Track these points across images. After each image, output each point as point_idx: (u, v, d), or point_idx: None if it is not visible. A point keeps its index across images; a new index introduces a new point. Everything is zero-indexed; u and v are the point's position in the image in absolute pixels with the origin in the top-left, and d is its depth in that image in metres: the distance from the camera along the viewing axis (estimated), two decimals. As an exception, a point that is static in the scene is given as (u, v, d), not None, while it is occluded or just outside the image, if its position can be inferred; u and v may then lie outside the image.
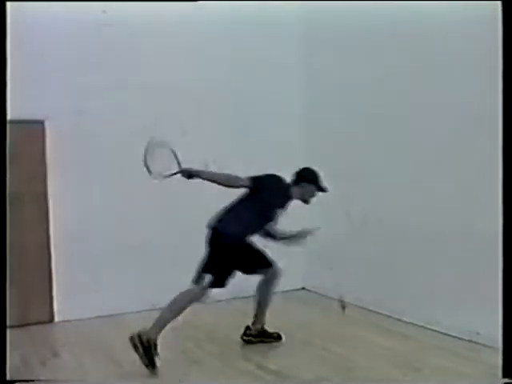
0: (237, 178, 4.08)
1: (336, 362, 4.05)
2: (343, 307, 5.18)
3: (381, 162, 5.18)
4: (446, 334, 4.45)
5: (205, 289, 4.12)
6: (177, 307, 4.12)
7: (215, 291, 4.28)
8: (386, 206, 5.10)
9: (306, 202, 4.34)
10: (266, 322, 4.52)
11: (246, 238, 4.24)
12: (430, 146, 4.65)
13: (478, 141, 4.18)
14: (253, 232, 4.25)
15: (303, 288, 5.84)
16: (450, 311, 4.47)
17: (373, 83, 5.24)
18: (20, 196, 4.96)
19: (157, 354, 3.91)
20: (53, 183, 5.20)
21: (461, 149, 4.36)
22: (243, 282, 4.44)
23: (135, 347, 3.91)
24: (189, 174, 4.03)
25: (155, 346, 3.92)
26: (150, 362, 3.88)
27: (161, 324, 4.05)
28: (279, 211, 4.28)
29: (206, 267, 4.14)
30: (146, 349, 3.89)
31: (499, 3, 2.91)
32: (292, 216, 4.41)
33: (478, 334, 4.22)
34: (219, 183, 4.04)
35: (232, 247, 4.12)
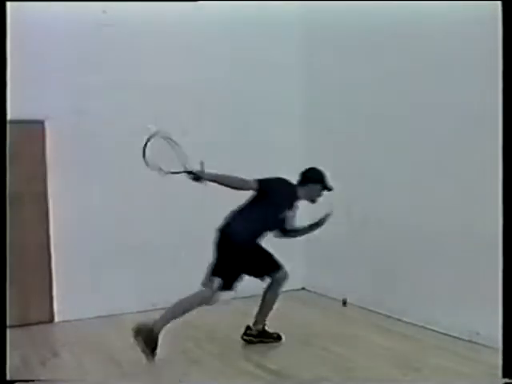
0: (244, 180, 4.08)
1: (336, 361, 4.05)
2: (344, 302, 5.20)
3: (381, 162, 5.18)
4: (445, 334, 4.45)
5: (215, 292, 4.14)
6: (185, 306, 4.16)
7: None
8: (386, 206, 5.10)
9: (312, 201, 4.37)
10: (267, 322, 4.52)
11: (255, 241, 4.27)
12: (430, 146, 4.65)
13: (477, 141, 4.18)
14: (261, 235, 4.27)
15: (303, 288, 5.85)
16: (449, 311, 4.47)
17: (373, 83, 5.24)
18: (20, 196, 4.96)
19: (156, 346, 3.96)
20: (53, 183, 5.20)
21: (461, 149, 4.36)
22: (243, 282, 4.43)
23: (137, 335, 3.96)
24: (196, 176, 3.99)
25: (157, 337, 3.97)
26: (150, 352, 3.93)
27: (166, 319, 4.09)
28: (287, 213, 4.30)
29: (216, 270, 4.16)
30: (147, 339, 3.94)
31: (499, 3, 2.91)
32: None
33: (477, 334, 4.22)
34: (226, 185, 4.03)
35: (241, 250, 4.14)
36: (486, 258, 3.98)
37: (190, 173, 3.99)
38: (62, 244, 5.23)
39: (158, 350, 3.97)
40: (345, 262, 5.66)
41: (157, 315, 5.34)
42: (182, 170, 3.98)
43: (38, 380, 3.77)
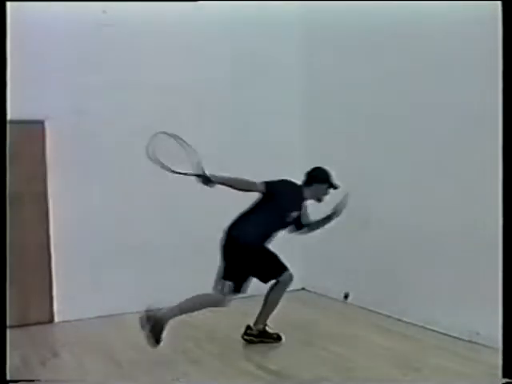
0: (251, 182, 4.12)
1: (336, 361, 4.05)
2: (346, 295, 5.19)
3: (381, 162, 5.18)
4: (445, 334, 4.45)
5: (226, 296, 4.16)
6: (195, 304, 4.21)
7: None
8: (386, 206, 5.09)
9: (319, 200, 4.40)
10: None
11: (262, 243, 4.28)
12: (430, 146, 4.65)
13: (477, 141, 4.17)
14: (268, 237, 4.29)
15: (303, 288, 5.85)
16: (449, 311, 4.47)
17: (373, 83, 5.23)
18: (20, 196, 4.96)
19: (161, 337, 3.99)
20: (53, 183, 5.20)
21: (461, 149, 4.36)
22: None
23: (145, 322, 3.99)
24: (205, 180, 3.99)
25: (162, 328, 3.99)
26: (153, 341, 3.97)
27: (175, 312, 4.11)
28: (294, 214, 4.32)
29: (225, 274, 4.17)
30: (153, 328, 3.97)
31: (499, 3, 2.91)
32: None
33: (477, 334, 4.22)
34: (234, 188, 4.06)
35: (248, 252, 4.16)
36: (486, 258, 3.98)
37: (199, 176, 3.99)
38: (62, 244, 5.23)
39: (161, 345, 3.97)
40: (345, 262, 5.66)
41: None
42: (192, 172, 3.98)
43: (38, 380, 3.77)
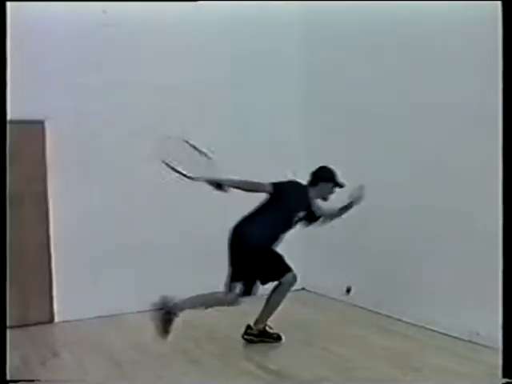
0: (259, 183, 4.17)
1: (336, 362, 4.05)
2: (348, 290, 5.19)
3: (381, 162, 5.17)
4: (445, 334, 4.45)
5: (237, 298, 4.19)
6: (205, 301, 4.28)
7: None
8: (386, 206, 5.09)
9: (325, 199, 4.44)
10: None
11: (268, 244, 4.30)
12: (430, 146, 4.65)
13: (478, 141, 4.17)
14: (275, 239, 4.31)
15: (303, 288, 5.84)
16: (449, 311, 4.47)
17: (373, 83, 5.23)
18: (20, 196, 4.97)
19: (170, 327, 4.08)
20: (53, 183, 5.20)
21: (461, 149, 4.36)
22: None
23: (157, 310, 4.08)
24: (217, 184, 4.03)
25: (172, 319, 4.08)
26: (162, 331, 4.06)
27: (185, 306, 4.18)
28: (301, 214, 4.35)
29: (234, 276, 4.18)
30: (164, 318, 4.07)
31: (499, 3, 2.91)
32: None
33: (477, 334, 4.22)
34: (243, 189, 4.12)
35: (255, 252, 4.17)
36: (486, 258, 3.98)
37: (211, 182, 4.02)
38: (62, 244, 5.23)
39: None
40: (345, 262, 5.66)
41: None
42: (205, 178, 4.02)
43: (38, 380, 3.77)
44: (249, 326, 4.51)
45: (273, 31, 6.05)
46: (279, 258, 4.43)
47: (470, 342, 4.27)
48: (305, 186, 4.39)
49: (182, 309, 4.14)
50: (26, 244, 5.11)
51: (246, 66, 5.98)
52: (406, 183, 4.88)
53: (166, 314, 4.08)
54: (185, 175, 3.99)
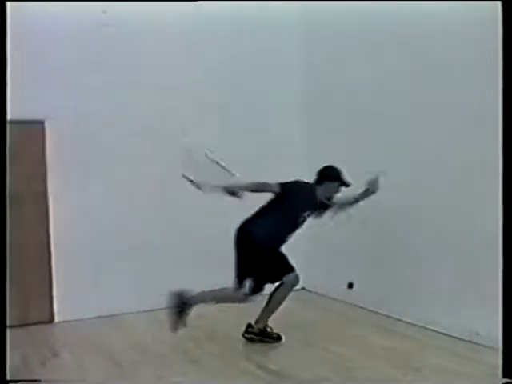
0: (266, 184, 4.22)
1: (336, 362, 4.05)
2: (350, 285, 5.19)
3: (381, 162, 5.16)
4: (445, 334, 4.45)
5: (246, 295, 4.23)
6: (216, 297, 4.37)
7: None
8: (386, 206, 5.09)
9: (330, 198, 4.47)
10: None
11: (275, 244, 4.35)
12: (430, 146, 4.65)
13: (478, 141, 4.17)
14: (282, 239, 4.36)
15: (303, 288, 5.84)
16: (449, 311, 4.47)
17: (373, 83, 5.23)
18: (20, 196, 4.96)
19: (182, 319, 4.23)
20: (53, 183, 5.20)
21: (461, 149, 4.36)
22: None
23: (172, 303, 4.24)
24: (230, 191, 4.09)
25: (185, 311, 4.22)
26: (175, 322, 4.22)
27: (199, 299, 4.29)
28: (307, 214, 4.39)
29: (241, 274, 4.22)
30: (179, 308, 4.22)
31: (499, 3, 2.91)
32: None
33: (477, 334, 4.22)
34: (252, 191, 4.16)
35: (261, 249, 4.21)
36: (486, 258, 3.98)
37: (225, 189, 4.08)
38: (62, 244, 5.23)
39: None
40: (345, 262, 5.66)
41: (157, 315, 5.36)
42: (219, 186, 4.08)
43: (38, 380, 3.76)
44: (249, 325, 4.51)
45: (273, 31, 6.05)
46: (283, 257, 4.45)
47: (470, 342, 4.27)
48: (311, 186, 4.41)
49: (196, 302, 4.24)
50: (26, 244, 5.11)
51: (246, 66, 5.97)
52: (406, 183, 4.88)
53: (182, 306, 4.19)
54: (200, 188, 4.09)
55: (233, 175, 4.15)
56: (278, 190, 4.22)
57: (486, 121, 3.98)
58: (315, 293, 6.04)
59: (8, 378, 2.93)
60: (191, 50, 5.72)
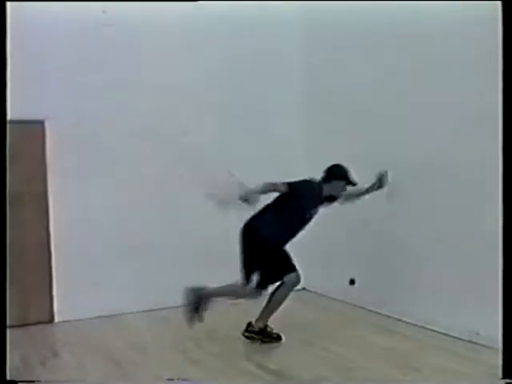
0: (274, 184, 4.25)
1: (336, 361, 4.05)
2: (352, 282, 5.19)
3: (381, 162, 5.16)
4: (445, 334, 4.45)
5: (253, 290, 4.30)
6: (226, 292, 4.45)
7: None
8: (386, 206, 5.09)
9: (337, 197, 4.56)
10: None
11: (281, 242, 4.39)
12: (430, 146, 4.65)
13: (478, 141, 4.17)
14: (287, 236, 4.40)
15: (304, 288, 5.84)
16: (449, 311, 4.47)
17: (373, 83, 5.23)
18: (20, 196, 4.96)
19: (201, 312, 4.35)
20: (53, 183, 5.20)
21: (461, 149, 4.36)
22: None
23: (188, 299, 4.33)
24: (246, 199, 4.11)
25: (203, 304, 4.34)
26: (190, 317, 4.32)
27: (212, 294, 4.39)
28: (314, 212, 4.44)
29: (247, 269, 4.28)
30: (194, 302, 4.32)
31: (499, 3, 2.91)
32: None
33: (477, 334, 4.22)
34: (262, 193, 4.19)
35: (266, 247, 4.26)
36: (486, 258, 3.98)
37: (243, 198, 4.12)
38: (62, 244, 5.23)
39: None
40: (345, 262, 5.66)
41: (157, 315, 5.37)
42: (240, 196, 4.11)
43: (38, 380, 3.76)
44: (250, 324, 4.51)
45: (273, 31, 6.05)
46: (286, 256, 4.47)
47: (470, 342, 4.27)
48: (318, 184, 4.45)
49: (209, 297, 4.33)
50: (26, 244, 5.10)
51: (246, 66, 5.97)
52: (406, 183, 4.87)
53: (197, 302, 4.29)
54: (224, 205, 4.25)
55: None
56: (285, 189, 4.26)
57: (485, 121, 3.98)
58: (315, 293, 6.04)
59: (8, 377, 2.93)
60: (191, 49, 5.72)
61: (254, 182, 5.52)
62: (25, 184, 5.05)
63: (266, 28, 5.99)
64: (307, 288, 5.97)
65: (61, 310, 5.26)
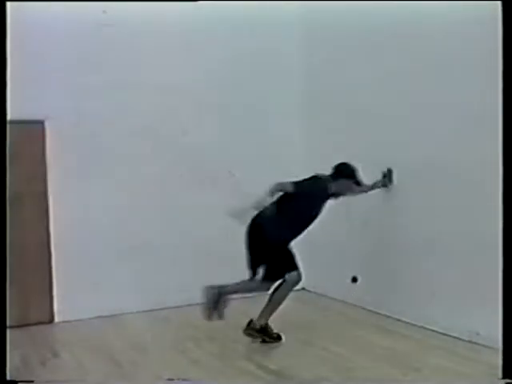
0: (281, 184, 4.30)
1: (336, 361, 4.05)
2: (354, 279, 5.20)
3: (381, 162, 5.17)
4: (445, 334, 4.45)
5: (261, 283, 4.40)
6: (239, 289, 4.50)
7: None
8: (386, 206, 5.09)
9: (343, 195, 4.62)
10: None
11: (286, 238, 4.44)
12: (430, 146, 4.65)
13: (478, 141, 4.17)
14: (293, 233, 4.46)
15: (303, 288, 5.84)
16: (449, 311, 4.47)
17: (373, 83, 5.23)
18: (20, 196, 4.96)
19: (221, 309, 4.43)
20: (53, 183, 5.20)
21: (461, 149, 4.36)
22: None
23: (207, 296, 4.39)
24: (261, 206, 4.22)
25: (221, 300, 4.40)
26: (209, 313, 4.39)
27: (229, 290, 4.44)
28: (319, 210, 4.50)
29: (253, 262, 4.39)
30: (214, 299, 4.38)
31: (499, 3, 2.91)
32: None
33: (477, 334, 4.22)
34: (272, 195, 4.26)
35: (271, 245, 4.33)
36: (485, 258, 3.98)
37: (257, 208, 4.24)
38: (62, 244, 5.23)
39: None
40: (345, 262, 5.66)
41: (157, 315, 5.37)
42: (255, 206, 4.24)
43: (39, 380, 3.76)
44: (251, 321, 4.51)
45: (273, 31, 6.05)
46: (290, 255, 4.49)
47: (470, 342, 4.26)
48: (325, 182, 4.49)
49: (227, 293, 4.41)
50: (26, 244, 5.10)
51: (246, 66, 5.97)
52: (406, 183, 4.88)
53: (216, 299, 4.37)
54: (243, 217, 4.24)
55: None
56: (292, 189, 4.30)
57: (486, 121, 3.98)
58: (315, 293, 6.04)
59: (8, 377, 2.93)
60: (191, 49, 5.72)
61: (254, 182, 5.55)
62: (25, 184, 5.05)
63: (266, 28, 5.99)
64: (307, 288, 5.97)
65: (61, 310, 5.26)
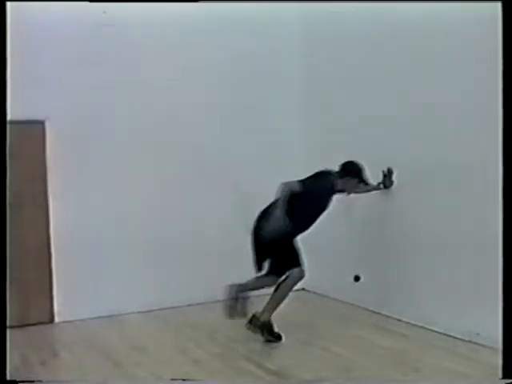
0: (289, 183, 4.31)
1: (336, 361, 4.05)
2: (356, 278, 5.21)
3: (381, 162, 5.17)
4: (445, 334, 4.45)
5: (268, 277, 4.47)
6: (253, 284, 4.54)
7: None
8: (387, 207, 5.09)
9: (348, 193, 4.66)
10: (267, 322, 4.54)
11: (292, 235, 4.45)
12: (430, 146, 4.64)
13: (478, 141, 4.17)
14: (300, 229, 4.49)
15: (303, 289, 5.84)
16: (449, 311, 4.47)
17: (373, 83, 5.23)
18: (20, 196, 4.96)
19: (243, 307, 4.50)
20: (53, 183, 5.19)
21: (461, 149, 4.36)
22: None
23: (229, 293, 4.49)
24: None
25: (241, 298, 4.49)
26: (230, 311, 4.48)
27: (244, 288, 4.52)
28: (326, 204, 4.55)
29: (258, 257, 4.44)
30: (235, 298, 4.47)
31: (499, 3, 2.91)
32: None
33: (477, 334, 4.22)
34: (284, 200, 4.27)
35: (274, 244, 4.35)
36: (485, 258, 3.98)
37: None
38: (62, 244, 5.23)
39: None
40: (345, 262, 5.66)
41: (156, 315, 5.37)
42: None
43: (38, 380, 3.77)
44: (254, 315, 4.52)
45: (273, 31, 6.04)
46: (294, 251, 4.51)
47: (470, 342, 4.26)
48: (331, 180, 4.50)
49: (248, 290, 4.48)
50: (26, 244, 5.10)
51: (246, 66, 5.97)
52: (406, 183, 4.88)
53: (237, 297, 4.46)
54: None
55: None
56: (299, 189, 4.31)
57: (486, 121, 3.98)
58: (315, 293, 6.04)
59: (8, 377, 2.93)
60: (191, 49, 5.71)
61: (254, 182, 5.56)
62: (25, 184, 5.04)
63: (266, 28, 5.99)
64: (307, 288, 5.97)
65: (61, 310, 5.26)
